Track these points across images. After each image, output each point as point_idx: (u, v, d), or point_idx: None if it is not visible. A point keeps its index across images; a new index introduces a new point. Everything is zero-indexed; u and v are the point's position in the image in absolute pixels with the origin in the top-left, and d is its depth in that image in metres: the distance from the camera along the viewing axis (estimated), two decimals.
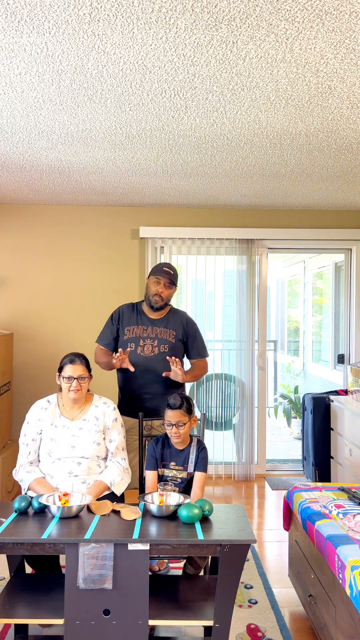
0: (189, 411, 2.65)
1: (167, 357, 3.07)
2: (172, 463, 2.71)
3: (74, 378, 2.65)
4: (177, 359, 3.05)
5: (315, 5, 1.77)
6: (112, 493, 2.68)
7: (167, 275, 3.21)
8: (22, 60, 2.18)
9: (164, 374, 3.08)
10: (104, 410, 2.75)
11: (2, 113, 2.74)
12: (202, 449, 2.73)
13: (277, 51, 2.07)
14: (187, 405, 2.65)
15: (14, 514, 2.29)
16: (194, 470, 2.70)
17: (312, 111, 2.66)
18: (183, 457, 2.71)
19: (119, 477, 2.64)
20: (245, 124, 2.84)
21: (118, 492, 2.61)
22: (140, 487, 2.97)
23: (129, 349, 3.09)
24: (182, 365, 3.31)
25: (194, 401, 5.17)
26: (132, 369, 3.07)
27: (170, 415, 2.63)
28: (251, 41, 2.00)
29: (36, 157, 3.50)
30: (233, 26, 1.90)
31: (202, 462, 2.70)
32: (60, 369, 2.71)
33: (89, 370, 2.74)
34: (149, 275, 3.27)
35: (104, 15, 1.84)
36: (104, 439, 2.73)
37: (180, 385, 3.26)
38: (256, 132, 2.97)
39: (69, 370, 2.67)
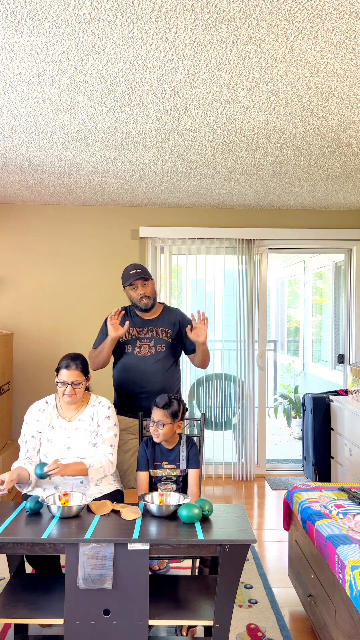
0: (174, 415, 2.64)
1: (192, 315, 3.09)
2: (164, 462, 2.72)
3: (68, 383, 2.65)
4: (206, 317, 3.06)
5: (315, 5, 1.77)
6: (112, 493, 2.68)
7: (137, 275, 3.14)
8: (22, 60, 2.18)
9: (187, 329, 3.07)
10: (98, 409, 2.74)
11: (2, 113, 2.74)
12: (191, 445, 2.75)
13: (277, 51, 2.07)
14: (173, 408, 2.63)
15: (14, 514, 2.29)
16: (187, 468, 2.71)
17: (312, 111, 2.66)
18: (174, 455, 2.72)
19: (99, 464, 2.58)
20: (245, 124, 2.84)
21: (91, 477, 2.54)
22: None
23: (121, 310, 3.07)
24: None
25: (194, 401, 5.18)
26: (125, 329, 3.05)
27: (154, 412, 2.66)
28: (251, 41, 2.00)
29: (36, 157, 3.50)
30: (233, 26, 1.90)
31: (194, 459, 2.72)
32: (58, 370, 2.70)
33: (86, 373, 2.73)
34: (124, 287, 3.20)
35: (104, 15, 1.84)
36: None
37: (176, 385, 3.26)
38: (256, 132, 2.97)
39: (64, 375, 2.66)
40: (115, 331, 3.04)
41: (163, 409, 2.63)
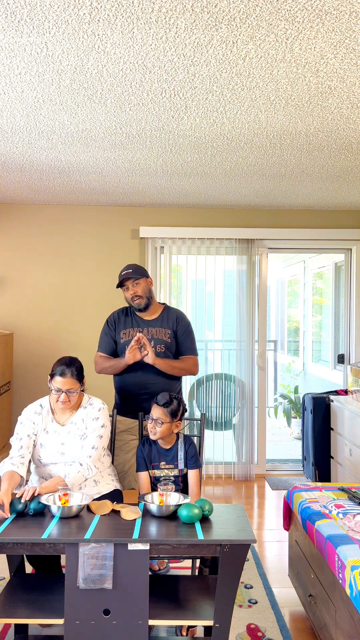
0: (173, 414, 2.64)
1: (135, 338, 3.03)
2: (162, 463, 2.71)
3: (63, 391, 2.60)
4: (143, 336, 3.02)
5: (315, 5, 1.77)
6: (111, 493, 2.67)
7: (127, 276, 3.13)
8: (22, 60, 2.18)
9: (142, 355, 3.05)
10: (89, 411, 2.69)
11: (2, 113, 2.74)
12: (189, 444, 2.73)
13: (277, 51, 2.07)
14: (173, 407, 2.64)
15: (14, 514, 2.29)
16: (186, 468, 2.71)
17: (312, 111, 2.66)
18: (171, 455, 2.71)
19: (75, 470, 2.54)
20: (245, 124, 2.84)
21: (70, 484, 2.49)
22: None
23: (141, 335, 3.02)
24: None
25: (194, 401, 5.18)
26: (141, 356, 3.03)
27: (154, 409, 2.66)
28: (251, 41, 2.00)
29: (36, 157, 3.50)
30: (233, 26, 1.90)
31: (193, 459, 2.71)
32: (52, 376, 2.64)
33: (81, 379, 2.67)
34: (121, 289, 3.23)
35: (104, 15, 1.84)
36: None
37: (177, 386, 3.25)
38: (256, 132, 2.97)
39: (58, 382, 2.60)
40: (134, 358, 3.02)
41: (163, 407, 2.63)
